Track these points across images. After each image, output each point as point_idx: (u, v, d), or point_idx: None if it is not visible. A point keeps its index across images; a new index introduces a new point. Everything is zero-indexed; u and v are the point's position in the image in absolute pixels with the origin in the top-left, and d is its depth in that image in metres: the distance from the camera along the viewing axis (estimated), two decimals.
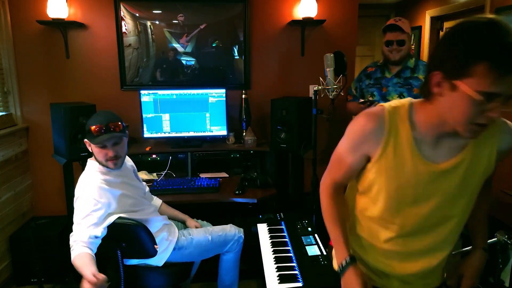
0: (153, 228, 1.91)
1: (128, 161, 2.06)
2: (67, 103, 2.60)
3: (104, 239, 1.71)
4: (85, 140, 1.81)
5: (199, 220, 2.30)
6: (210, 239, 2.09)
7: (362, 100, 2.44)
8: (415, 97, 2.24)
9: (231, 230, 2.17)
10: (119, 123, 1.80)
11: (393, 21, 2.38)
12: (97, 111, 2.03)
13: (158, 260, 1.95)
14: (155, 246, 1.82)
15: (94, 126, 1.75)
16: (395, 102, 1.11)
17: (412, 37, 3.91)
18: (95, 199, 1.71)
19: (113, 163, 1.80)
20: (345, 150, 1.15)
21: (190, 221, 2.24)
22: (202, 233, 2.11)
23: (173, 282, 2.08)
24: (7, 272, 2.66)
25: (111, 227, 1.73)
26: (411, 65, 2.41)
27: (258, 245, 1.88)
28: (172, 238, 2.01)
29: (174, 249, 1.99)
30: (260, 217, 2.18)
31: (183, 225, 2.26)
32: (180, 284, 2.23)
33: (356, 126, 1.11)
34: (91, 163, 1.85)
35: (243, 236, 2.20)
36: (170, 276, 2.03)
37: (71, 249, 1.63)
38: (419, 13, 3.84)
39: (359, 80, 2.59)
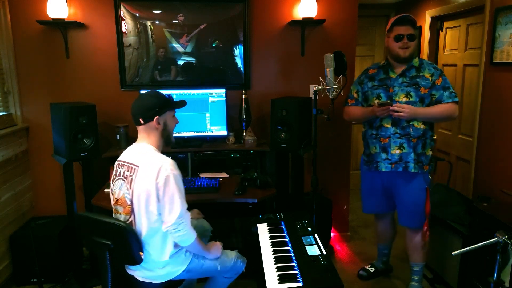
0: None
1: None
2: (67, 103, 2.60)
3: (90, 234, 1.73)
4: (158, 117, 1.83)
5: (200, 219, 2.28)
6: (218, 268, 1.95)
7: (381, 102, 2.26)
8: (422, 97, 2.30)
9: (237, 262, 2.04)
10: None
11: (403, 15, 2.27)
12: (151, 92, 1.99)
13: (164, 276, 1.80)
14: (140, 253, 1.71)
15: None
16: None
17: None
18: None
19: (173, 138, 1.96)
20: None
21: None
22: (213, 261, 1.94)
23: None
24: (7, 272, 2.66)
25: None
26: (416, 64, 2.33)
27: (258, 245, 1.89)
28: (189, 256, 1.87)
29: (184, 270, 1.84)
30: (260, 217, 2.18)
31: None
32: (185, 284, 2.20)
33: None
34: (151, 148, 1.82)
35: (244, 268, 2.08)
36: None
37: (182, 230, 1.71)
38: (419, 13, 3.84)
39: (360, 83, 2.47)
